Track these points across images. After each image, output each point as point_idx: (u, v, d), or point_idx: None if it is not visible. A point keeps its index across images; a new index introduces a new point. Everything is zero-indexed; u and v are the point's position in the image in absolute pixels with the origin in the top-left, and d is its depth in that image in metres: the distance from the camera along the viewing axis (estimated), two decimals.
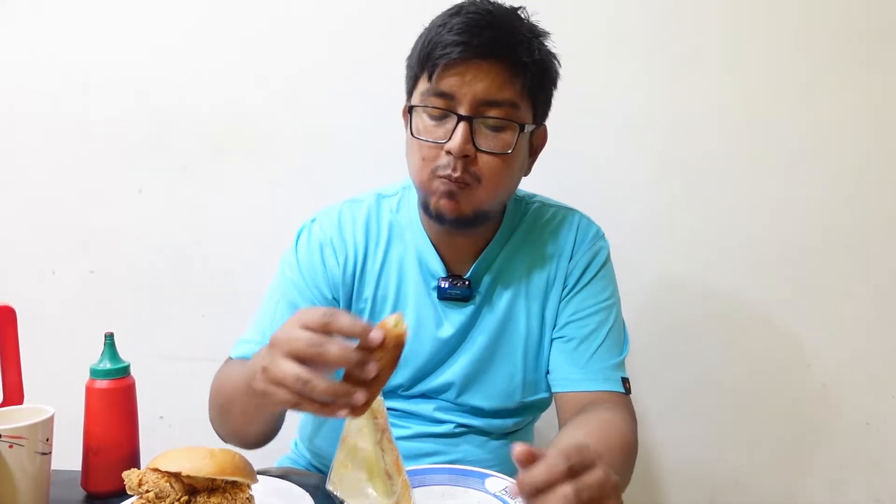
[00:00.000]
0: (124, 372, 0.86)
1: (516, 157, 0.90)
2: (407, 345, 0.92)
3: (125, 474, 0.70)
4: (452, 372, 0.97)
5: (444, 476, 0.85)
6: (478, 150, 0.86)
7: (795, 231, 1.49)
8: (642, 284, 1.49)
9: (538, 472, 0.56)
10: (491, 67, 0.85)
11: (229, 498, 0.72)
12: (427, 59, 0.87)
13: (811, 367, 1.54)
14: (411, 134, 0.90)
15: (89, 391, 0.84)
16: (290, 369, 0.62)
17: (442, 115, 0.87)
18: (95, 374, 0.85)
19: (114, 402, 0.84)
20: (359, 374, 0.62)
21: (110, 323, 1.72)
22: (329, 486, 0.78)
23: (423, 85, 0.89)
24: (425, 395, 1.00)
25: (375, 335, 0.62)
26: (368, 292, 0.98)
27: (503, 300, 0.97)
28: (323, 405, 0.63)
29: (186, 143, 1.58)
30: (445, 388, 0.98)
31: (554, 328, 0.98)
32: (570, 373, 0.95)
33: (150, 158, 1.59)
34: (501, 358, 0.97)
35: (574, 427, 0.90)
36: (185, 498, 0.70)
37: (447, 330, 0.97)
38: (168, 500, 0.69)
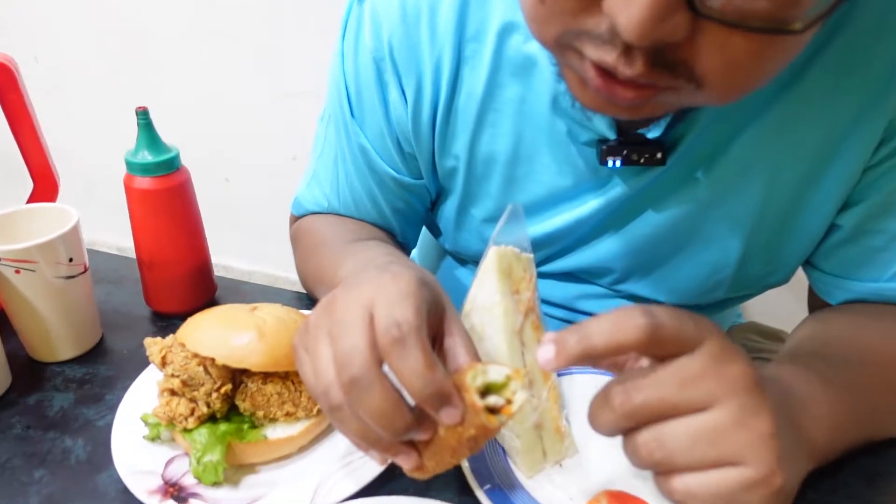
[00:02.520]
0: (169, 166, 0.60)
1: (806, 34, 0.34)
2: (542, 212, 0.57)
3: (147, 344, 0.49)
4: (609, 252, 0.59)
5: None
6: (700, 15, 0.32)
7: None
8: None
9: (598, 331, 0.34)
10: None
11: (291, 388, 0.49)
12: None
13: None
14: None
15: (129, 191, 0.61)
16: (326, 368, 0.38)
17: None
18: (133, 168, 0.60)
19: (160, 207, 0.61)
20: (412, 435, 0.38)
21: (231, 50, 1.50)
22: None
23: None
24: (564, 276, 0.64)
25: (449, 414, 0.35)
26: (460, 145, 0.56)
27: (724, 162, 0.52)
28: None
29: None
30: (596, 271, 0.62)
31: (842, 210, 0.53)
32: (865, 285, 0.54)
33: None
34: (705, 243, 0.56)
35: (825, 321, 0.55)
36: (227, 387, 0.48)
37: (602, 200, 0.55)
38: (203, 391, 0.47)
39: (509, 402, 0.36)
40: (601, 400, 0.35)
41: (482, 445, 0.38)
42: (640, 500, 0.47)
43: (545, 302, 0.66)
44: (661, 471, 0.35)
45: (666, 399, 0.34)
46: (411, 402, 0.37)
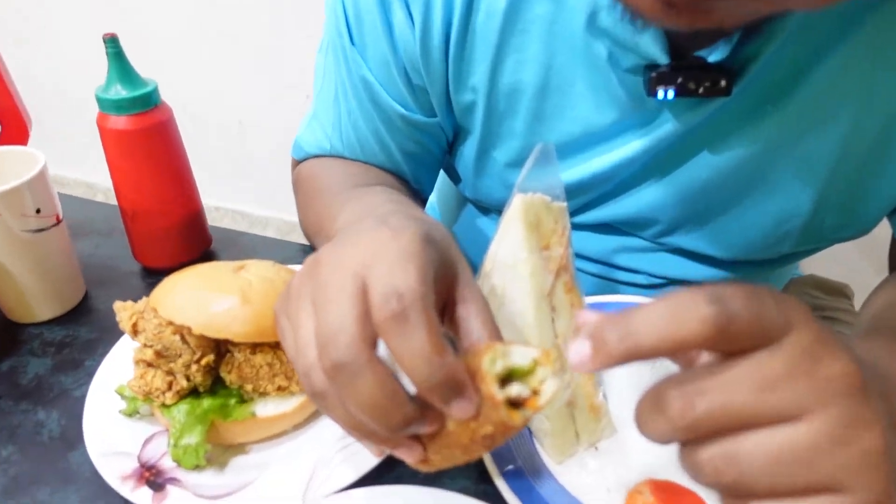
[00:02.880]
0: (146, 102, 0.53)
1: None
2: (577, 154, 0.49)
3: (116, 309, 0.43)
4: (655, 200, 0.50)
5: None
6: None
7: None
8: None
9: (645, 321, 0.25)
10: None
11: (284, 358, 0.43)
12: None
13: None
14: None
15: (103, 132, 0.54)
16: (307, 345, 0.30)
17: None
18: (105, 105, 0.53)
19: (138, 150, 0.54)
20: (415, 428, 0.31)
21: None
22: None
23: None
24: (601, 228, 0.55)
25: (461, 408, 0.29)
26: (479, 76, 0.48)
27: (801, 93, 0.43)
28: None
29: None
30: (639, 222, 0.53)
31: None
32: None
33: None
34: (772, 189, 0.47)
35: None
36: (208, 357, 0.42)
37: (649, 138, 0.46)
38: (180, 362, 0.41)
39: (536, 392, 0.29)
40: (652, 404, 0.26)
41: (500, 444, 0.31)
42: (689, 492, 0.40)
43: (578, 256, 0.58)
44: (732, 493, 0.27)
45: (739, 407, 0.25)
46: (412, 388, 0.30)
